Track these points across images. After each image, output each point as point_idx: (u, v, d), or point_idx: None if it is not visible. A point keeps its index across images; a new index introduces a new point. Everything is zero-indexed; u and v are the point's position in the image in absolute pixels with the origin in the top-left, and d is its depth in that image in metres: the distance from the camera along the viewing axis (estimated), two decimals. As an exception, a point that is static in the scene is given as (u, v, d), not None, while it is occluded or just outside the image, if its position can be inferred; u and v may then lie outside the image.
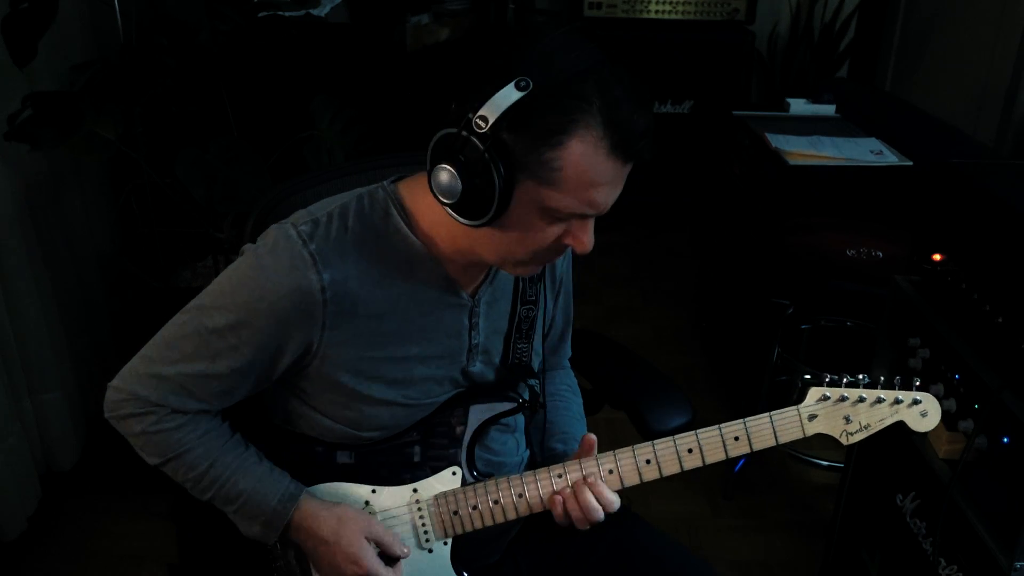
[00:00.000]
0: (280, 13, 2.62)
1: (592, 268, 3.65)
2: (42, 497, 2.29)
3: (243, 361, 1.07)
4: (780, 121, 2.79)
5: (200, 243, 2.52)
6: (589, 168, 0.95)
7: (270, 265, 1.04)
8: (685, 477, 2.41)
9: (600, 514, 1.13)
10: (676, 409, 1.38)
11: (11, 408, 2.16)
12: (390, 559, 1.15)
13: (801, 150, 2.52)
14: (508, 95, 0.92)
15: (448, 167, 0.97)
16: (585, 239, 1.03)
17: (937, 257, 1.56)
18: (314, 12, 2.89)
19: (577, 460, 1.16)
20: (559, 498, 1.15)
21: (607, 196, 0.99)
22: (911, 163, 2.46)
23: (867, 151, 2.53)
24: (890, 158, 2.49)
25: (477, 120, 0.94)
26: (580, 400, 1.43)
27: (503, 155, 0.94)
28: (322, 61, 2.75)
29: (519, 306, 1.22)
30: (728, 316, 2.92)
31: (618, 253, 3.84)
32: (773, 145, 2.55)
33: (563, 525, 1.17)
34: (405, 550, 1.15)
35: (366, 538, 1.13)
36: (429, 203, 1.05)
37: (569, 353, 1.45)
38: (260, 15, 2.51)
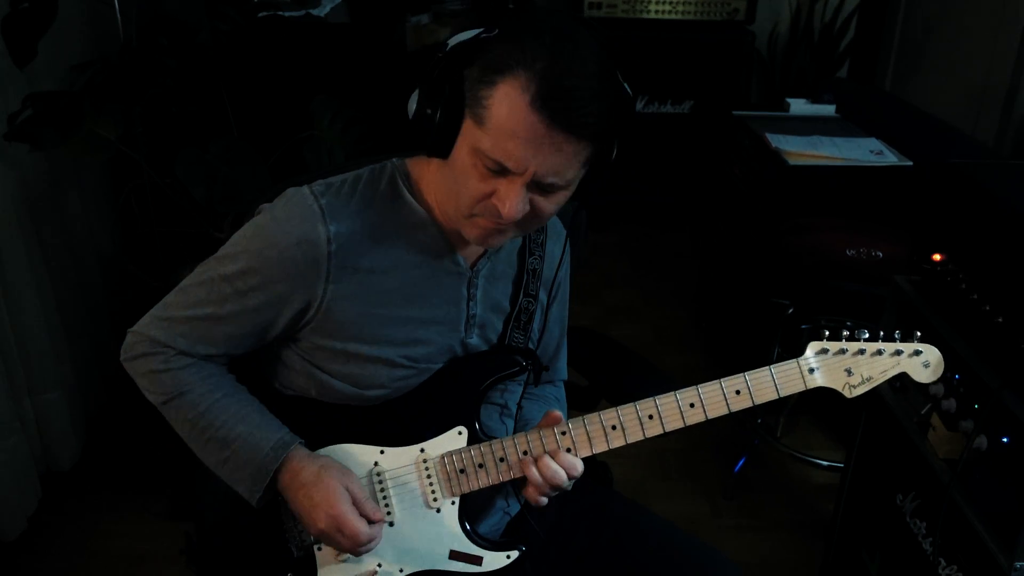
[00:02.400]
0: (280, 13, 2.63)
1: (592, 268, 3.65)
2: (42, 497, 2.29)
3: (249, 306, 1.13)
4: (780, 121, 2.79)
5: (200, 243, 2.51)
6: (510, 113, 0.97)
7: (282, 217, 1.13)
8: (685, 477, 2.43)
9: (563, 477, 1.14)
10: None
11: (11, 408, 2.16)
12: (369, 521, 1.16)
13: (801, 150, 2.52)
14: (472, 32, 1.02)
15: (417, 89, 1.05)
16: (507, 200, 1.02)
17: (937, 257, 1.56)
18: (314, 12, 2.89)
19: (580, 417, 1.17)
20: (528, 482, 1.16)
21: (525, 153, 0.99)
22: (911, 163, 2.46)
23: (867, 151, 2.53)
24: (890, 158, 2.49)
25: (442, 47, 1.02)
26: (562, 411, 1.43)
27: (454, 82, 1.01)
28: (322, 61, 2.75)
29: (521, 296, 1.26)
30: (728, 316, 2.92)
31: (618, 253, 3.84)
32: (773, 145, 2.55)
33: (542, 504, 1.17)
34: (379, 515, 1.16)
35: (343, 487, 1.14)
36: (432, 174, 1.13)
37: (564, 374, 1.46)
38: (260, 15, 2.51)
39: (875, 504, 1.72)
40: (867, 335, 1.15)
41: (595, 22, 3.72)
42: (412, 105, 1.06)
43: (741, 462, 2.45)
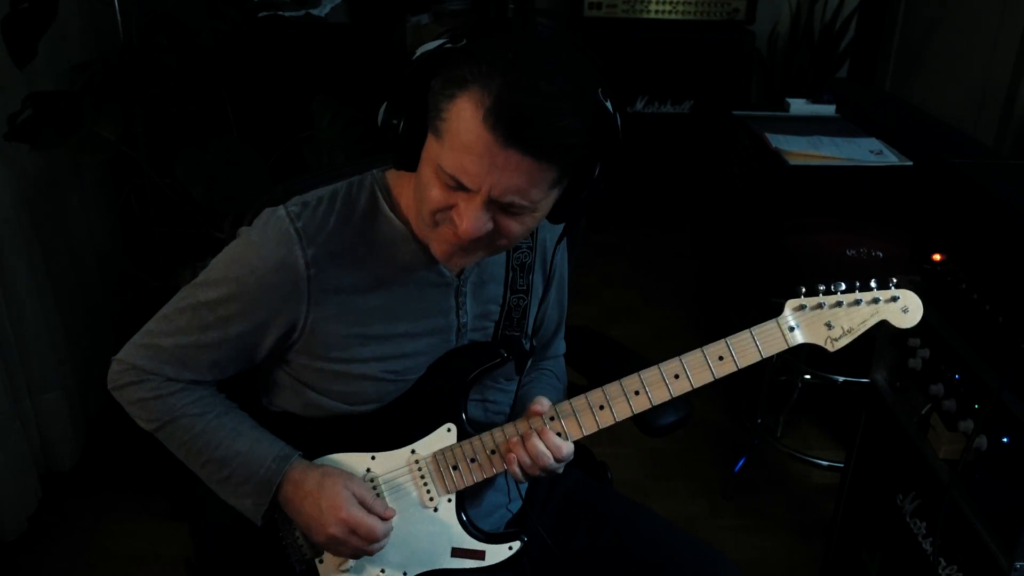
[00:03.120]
0: (280, 13, 2.63)
1: (592, 268, 3.65)
2: (42, 497, 2.29)
3: (232, 333, 1.12)
4: (780, 121, 2.80)
5: (200, 243, 2.52)
6: (464, 129, 0.95)
7: (259, 242, 1.11)
8: (685, 477, 2.42)
9: (550, 458, 1.14)
10: (673, 404, 1.38)
11: (11, 408, 2.16)
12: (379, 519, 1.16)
13: (801, 150, 2.52)
14: (439, 41, 0.99)
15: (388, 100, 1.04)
16: (464, 218, 1.00)
17: (937, 257, 1.56)
18: (314, 12, 2.89)
19: (568, 401, 1.17)
20: (513, 455, 1.15)
21: (480, 170, 0.96)
22: (911, 163, 2.46)
23: (867, 151, 2.53)
24: (890, 158, 2.49)
25: (412, 58, 1.01)
26: (561, 385, 1.43)
27: (418, 93, 1.00)
28: (322, 61, 2.75)
29: (509, 295, 1.24)
30: (728, 316, 2.92)
31: (618, 253, 3.84)
32: (773, 145, 2.55)
33: (521, 480, 1.17)
34: (389, 511, 1.17)
35: (349, 491, 1.14)
36: (409, 188, 1.11)
37: (563, 348, 1.45)
38: (260, 15, 2.51)
39: (875, 504, 1.72)
40: (844, 287, 1.14)
41: (594, 23, 3.74)
42: (380, 115, 1.05)
43: (741, 462, 2.45)
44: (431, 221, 1.05)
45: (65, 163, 2.40)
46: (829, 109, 2.89)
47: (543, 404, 1.17)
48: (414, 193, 1.08)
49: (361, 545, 1.14)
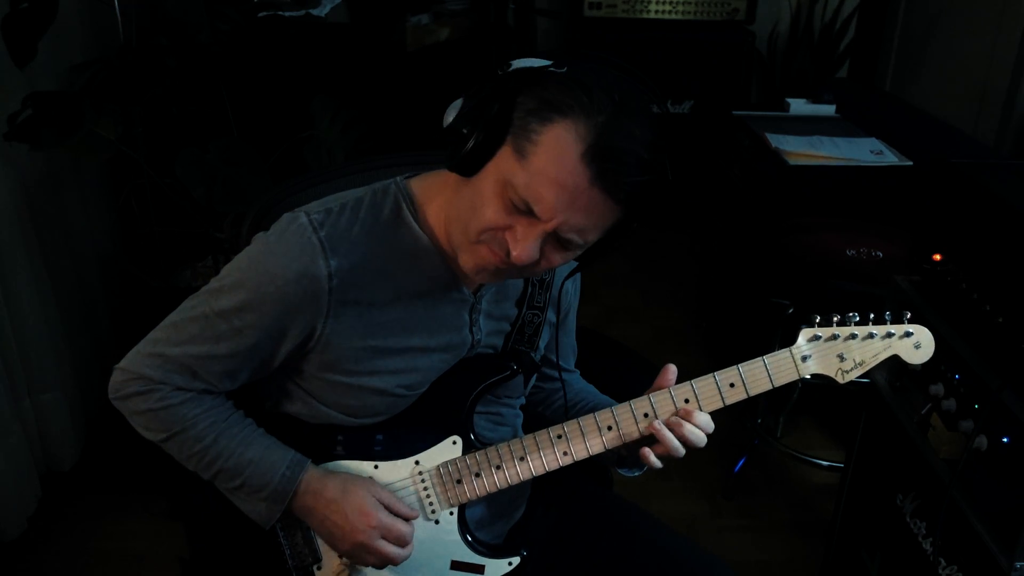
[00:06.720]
0: (280, 13, 2.63)
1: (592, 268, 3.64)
2: (42, 497, 2.29)
3: (246, 343, 1.09)
4: (780, 121, 2.80)
5: (200, 243, 2.52)
6: (558, 158, 0.94)
7: (279, 250, 1.07)
8: (685, 477, 2.42)
9: (702, 436, 1.13)
10: None
11: (11, 408, 2.15)
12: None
13: (801, 150, 2.52)
14: (539, 61, 0.97)
15: (461, 99, 1.01)
16: (520, 244, 0.98)
17: (937, 257, 1.56)
18: (314, 12, 2.90)
19: (576, 420, 1.16)
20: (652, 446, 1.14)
21: (559, 202, 0.95)
22: (911, 163, 2.46)
23: (867, 151, 2.53)
24: (890, 158, 2.49)
25: (505, 65, 0.97)
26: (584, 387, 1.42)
27: (505, 104, 0.96)
28: (322, 61, 2.75)
29: (525, 310, 1.23)
30: (728, 316, 2.92)
31: (618, 253, 3.83)
32: (773, 145, 2.55)
33: (656, 466, 1.16)
34: (413, 512, 1.16)
35: (374, 497, 1.14)
36: (437, 198, 1.08)
37: (573, 364, 1.45)
38: (260, 15, 2.52)
39: (875, 504, 1.72)
40: (857, 319, 1.15)
41: (594, 23, 3.74)
42: (450, 114, 1.00)
43: (741, 462, 2.45)
44: (475, 238, 1.01)
45: (65, 163, 2.40)
46: (829, 109, 2.89)
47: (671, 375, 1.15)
48: (460, 202, 1.04)
49: (390, 551, 1.13)
